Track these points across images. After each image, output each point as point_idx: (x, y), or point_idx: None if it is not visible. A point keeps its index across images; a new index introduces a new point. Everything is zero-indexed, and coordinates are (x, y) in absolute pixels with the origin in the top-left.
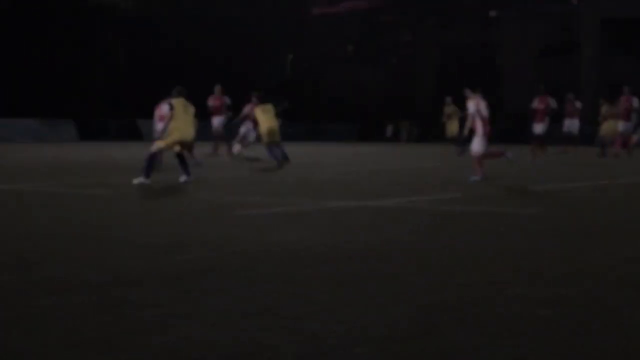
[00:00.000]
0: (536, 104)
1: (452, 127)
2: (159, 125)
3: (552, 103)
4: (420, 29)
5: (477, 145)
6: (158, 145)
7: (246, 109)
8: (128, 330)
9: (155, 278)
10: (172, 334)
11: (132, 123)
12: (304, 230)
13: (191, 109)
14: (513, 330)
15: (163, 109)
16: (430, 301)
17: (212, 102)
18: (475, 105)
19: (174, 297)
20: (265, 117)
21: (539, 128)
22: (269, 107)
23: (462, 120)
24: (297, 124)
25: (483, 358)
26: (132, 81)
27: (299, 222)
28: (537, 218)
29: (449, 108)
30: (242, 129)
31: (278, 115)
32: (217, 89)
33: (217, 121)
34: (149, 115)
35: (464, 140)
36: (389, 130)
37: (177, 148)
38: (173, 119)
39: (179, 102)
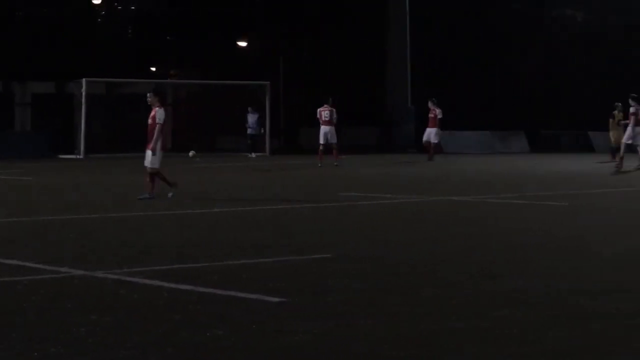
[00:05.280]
0: None
1: None
2: None
3: None
4: None
5: None
6: None
7: None
8: (581, 343)
9: (614, 290)
10: (631, 349)
11: (584, 135)
12: None
13: None
14: None
15: None
16: None
17: None
18: None
19: (635, 310)
20: None
21: None
22: None
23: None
24: None
25: None
26: (584, 93)
27: None
28: None
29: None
30: None
31: None
32: None
33: None
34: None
35: None
36: None
37: None
38: None
39: None
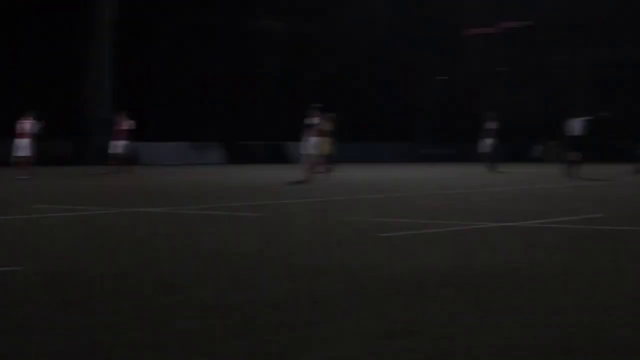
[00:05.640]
0: None
1: None
2: None
3: None
4: (574, 48)
5: None
6: None
7: None
8: (267, 352)
9: (298, 300)
10: (312, 357)
11: (278, 146)
12: (447, 252)
13: None
14: None
15: None
16: (575, 321)
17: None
18: None
19: (316, 319)
20: None
21: None
22: None
23: None
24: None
25: None
26: (280, 104)
27: (442, 243)
28: None
29: None
30: None
31: None
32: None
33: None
34: (296, 138)
35: None
36: (537, 150)
37: None
38: None
39: None
